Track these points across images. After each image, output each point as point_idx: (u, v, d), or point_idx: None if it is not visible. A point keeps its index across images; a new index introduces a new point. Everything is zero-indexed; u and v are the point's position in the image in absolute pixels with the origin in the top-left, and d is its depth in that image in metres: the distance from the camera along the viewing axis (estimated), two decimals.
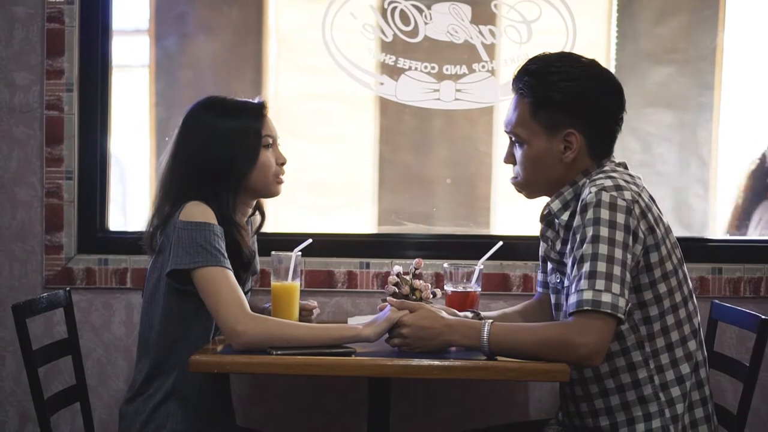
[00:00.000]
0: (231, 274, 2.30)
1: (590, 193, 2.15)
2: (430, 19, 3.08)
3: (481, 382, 2.95)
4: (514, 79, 2.31)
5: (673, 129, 3.13)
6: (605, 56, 3.11)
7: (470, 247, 2.95)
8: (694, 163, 3.14)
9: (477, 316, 2.37)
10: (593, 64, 2.29)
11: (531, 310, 2.53)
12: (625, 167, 2.31)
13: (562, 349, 2.07)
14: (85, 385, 2.68)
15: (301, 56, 3.17)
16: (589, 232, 2.11)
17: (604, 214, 2.11)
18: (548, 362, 2.07)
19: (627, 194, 2.14)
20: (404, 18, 3.08)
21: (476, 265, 2.51)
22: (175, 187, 2.43)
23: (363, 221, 3.18)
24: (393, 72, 3.09)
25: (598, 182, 2.18)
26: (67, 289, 2.71)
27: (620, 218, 2.11)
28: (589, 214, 2.12)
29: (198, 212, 2.34)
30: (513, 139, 2.32)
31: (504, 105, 3.05)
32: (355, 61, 3.08)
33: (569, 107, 2.23)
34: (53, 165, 3.00)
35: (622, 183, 2.17)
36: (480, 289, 2.50)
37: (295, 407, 3.03)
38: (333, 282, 3.01)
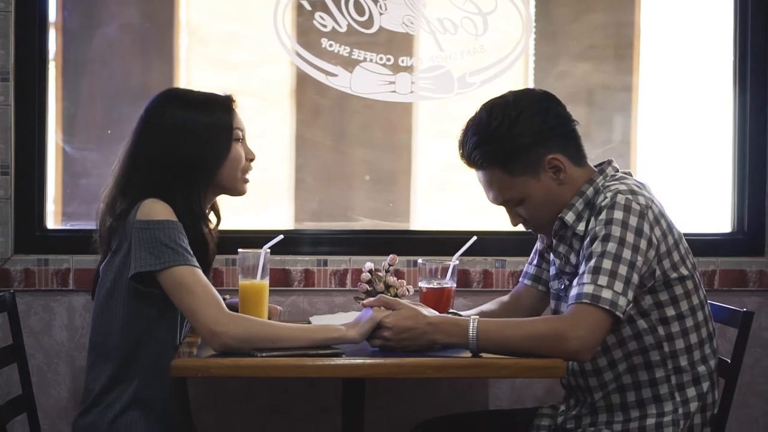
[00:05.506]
0: (201, 272, 2.17)
1: (605, 198, 2.17)
2: (386, 9, 3.00)
3: (439, 378, 2.89)
4: (466, 157, 2.26)
5: (592, 125, 3.12)
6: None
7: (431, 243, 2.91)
8: (612, 159, 3.13)
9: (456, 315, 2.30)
10: (519, 94, 2.27)
11: (507, 309, 2.48)
12: (630, 175, 2.32)
13: (554, 342, 2.04)
14: (32, 394, 2.51)
15: (213, 50, 3.07)
16: (601, 231, 2.12)
17: (618, 215, 2.12)
18: (543, 358, 2.03)
19: (641, 199, 2.16)
20: (358, 8, 2.99)
21: (450, 260, 2.45)
22: (135, 184, 2.27)
23: (279, 218, 3.09)
24: (348, 64, 3.00)
25: (612, 187, 2.20)
26: (12, 291, 2.53)
27: (632, 220, 2.12)
28: (603, 215, 2.14)
29: (158, 210, 2.20)
30: (509, 205, 2.29)
31: (426, 104, 3.05)
32: (305, 52, 2.99)
33: (535, 141, 2.21)
34: None
35: (636, 188, 2.20)
36: (455, 285, 2.43)
37: (251, 410, 2.91)
38: (289, 280, 2.90)
